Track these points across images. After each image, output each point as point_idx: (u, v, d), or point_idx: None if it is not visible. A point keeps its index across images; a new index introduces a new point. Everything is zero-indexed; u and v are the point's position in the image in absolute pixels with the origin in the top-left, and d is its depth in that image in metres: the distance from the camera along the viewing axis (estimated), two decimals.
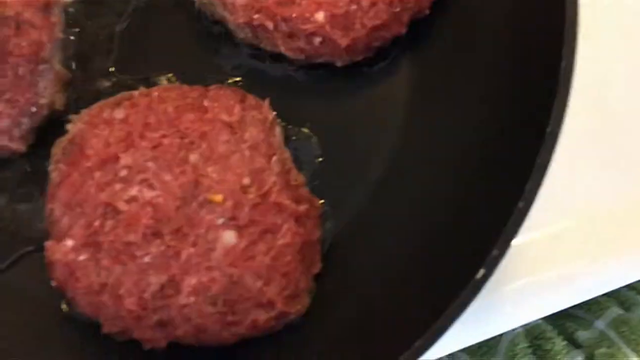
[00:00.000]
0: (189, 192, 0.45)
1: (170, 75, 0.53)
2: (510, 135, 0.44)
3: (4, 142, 0.47)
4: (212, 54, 0.53)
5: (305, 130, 0.52)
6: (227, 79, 0.53)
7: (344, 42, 0.48)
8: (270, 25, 0.48)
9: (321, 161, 0.52)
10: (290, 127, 0.52)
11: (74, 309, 0.47)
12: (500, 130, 0.45)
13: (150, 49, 0.53)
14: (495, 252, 0.38)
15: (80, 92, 0.52)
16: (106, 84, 0.52)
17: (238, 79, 0.53)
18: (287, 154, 0.49)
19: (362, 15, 0.48)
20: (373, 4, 0.48)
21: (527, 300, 0.53)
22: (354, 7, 0.48)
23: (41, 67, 0.47)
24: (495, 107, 0.47)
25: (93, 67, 0.52)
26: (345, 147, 0.52)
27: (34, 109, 0.47)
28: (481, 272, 0.38)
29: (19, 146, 0.47)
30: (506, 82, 0.47)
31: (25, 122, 0.47)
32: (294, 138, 0.52)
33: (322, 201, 0.50)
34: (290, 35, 0.49)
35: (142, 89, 0.49)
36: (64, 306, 0.48)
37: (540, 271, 0.53)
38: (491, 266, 0.38)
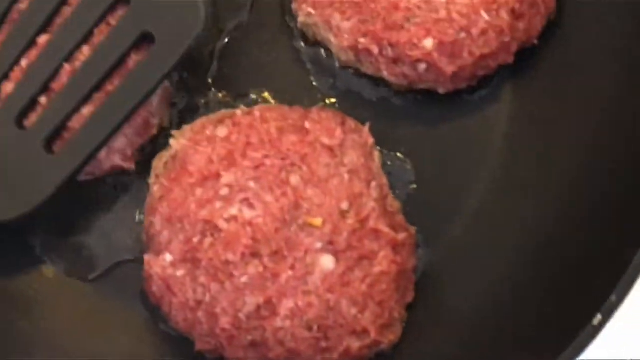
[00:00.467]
0: (288, 214, 0.45)
1: (266, 93, 0.53)
2: (626, 172, 0.42)
3: (116, 161, 0.47)
4: (308, 73, 0.53)
5: (400, 155, 0.52)
6: (322, 100, 0.53)
7: (449, 69, 0.48)
8: (375, 50, 0.48)
9: (415, 188, 0.51)
10: (384, 152, 0.51)
11: (166, 324, 0.47)
12: (612, 167, 0.44)
13: (248, 67, 0.53)
14: (613, 298, 0.36)
15: (179, 108, 0.52)
16: (203, 100, 0.53)
17: (333, 100, 0.53)
18: (384, 180, 0.48)
19: (470, 43, 0.47)
20: (483, 33, 0.47)
21: (621, 340, 0.51)
22: (463, 35, 0.47)
23: None
24: (604, 143, 0.46)
25: (192, 82, 0.53)
26: (440, 175, 0.51)
27: (148, 128, 0.47)
28: (598, 317, 0.36)
29: (129, 165, 0.47)
30: (616, 118, 0.46)
31: (138, 141, 0.47)
32: (388, 163, 0.51)
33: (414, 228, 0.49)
34: (395, 61, 0.48)
35: (243, 108, 0.49)
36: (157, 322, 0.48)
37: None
38: (609, 312, 0.36)
